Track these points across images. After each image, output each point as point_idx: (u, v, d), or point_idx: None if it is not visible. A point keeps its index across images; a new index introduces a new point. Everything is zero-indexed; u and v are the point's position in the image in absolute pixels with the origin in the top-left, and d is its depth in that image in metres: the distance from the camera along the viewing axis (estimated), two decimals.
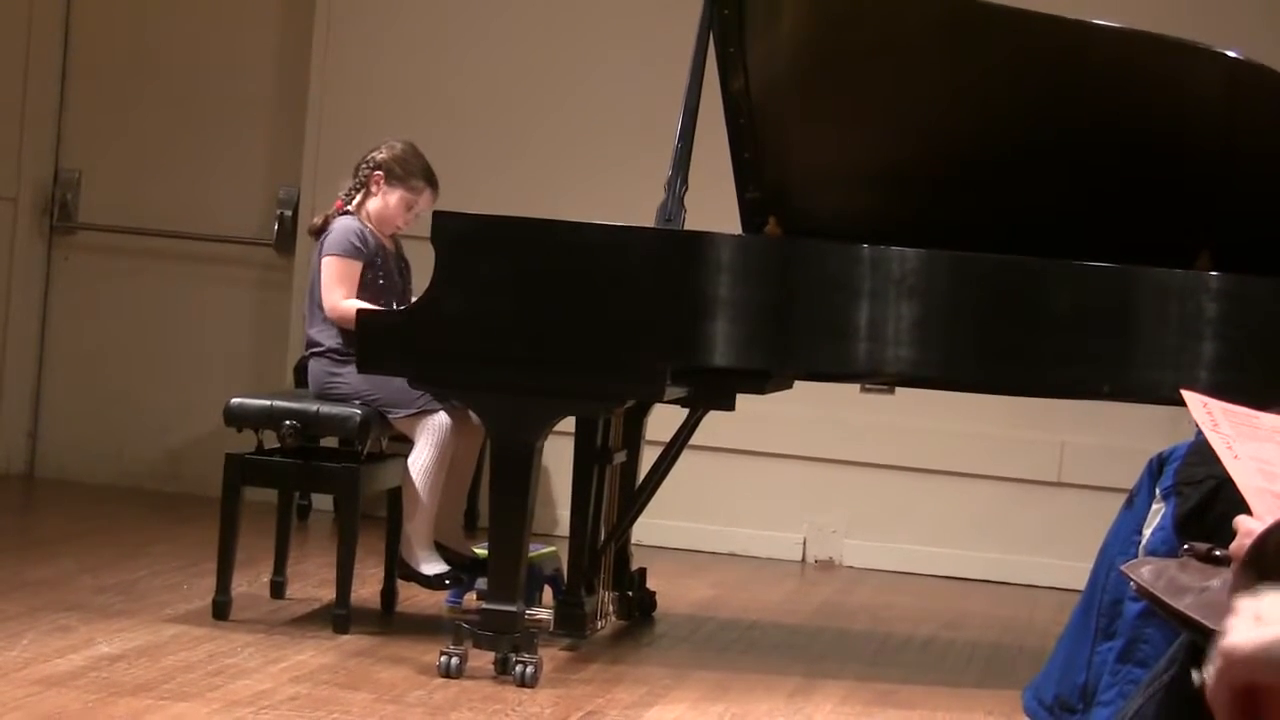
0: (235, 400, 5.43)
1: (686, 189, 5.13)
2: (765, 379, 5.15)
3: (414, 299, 5.17)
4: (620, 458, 5.63)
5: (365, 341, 4.90)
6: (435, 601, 5.58)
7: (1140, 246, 5.02)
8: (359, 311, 5.08)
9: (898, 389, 5.39)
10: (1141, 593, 2.10)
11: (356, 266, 5.46)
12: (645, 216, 5.19)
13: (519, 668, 4.74)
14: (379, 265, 5.51)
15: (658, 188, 5.17)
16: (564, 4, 7.57)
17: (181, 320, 7.89)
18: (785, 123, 5.40)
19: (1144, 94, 5.06)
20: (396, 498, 5.46)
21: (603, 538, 5.54)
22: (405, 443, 5.44)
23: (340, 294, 5.43)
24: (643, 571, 5.91)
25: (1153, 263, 4.86)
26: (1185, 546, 2.13)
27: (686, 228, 5.07)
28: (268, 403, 5.42)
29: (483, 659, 4.83)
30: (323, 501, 7.29)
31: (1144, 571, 2.09)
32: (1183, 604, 1.94)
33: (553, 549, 5.60)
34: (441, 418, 5.34)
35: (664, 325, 4.80)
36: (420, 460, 5.34)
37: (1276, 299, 4.81)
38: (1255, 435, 1.77)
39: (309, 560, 6.25)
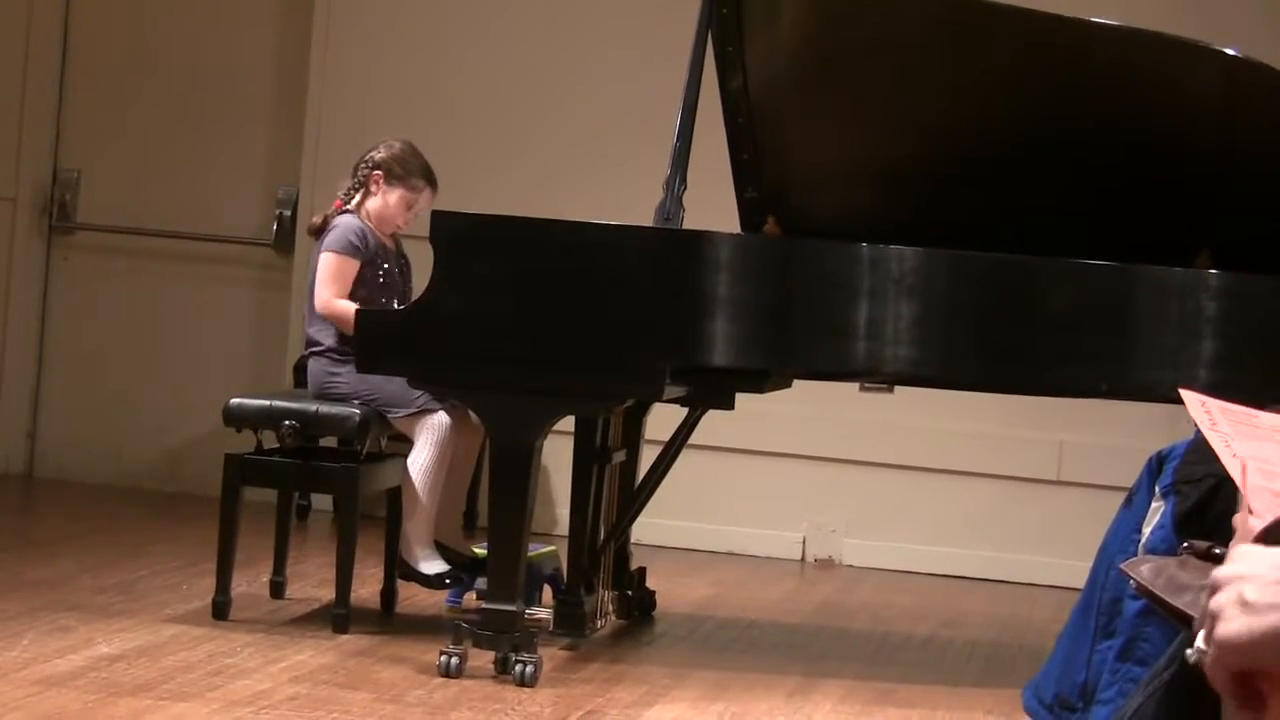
0: (234, 400, 5.43)
1: (685, 188, 5.13)
2: (764, 378, 5.15)
3: (414, 298, 5.17)
4: (620, 457, 5.63)
5: (364, 341, 4.90)
6: (435, 601, 5.58)
7: (1140, 245, 5.02)
8: (358, 311, 5.08)
9: (897, 388, 5.38)
10: (1141, 591, 2.10)
11: (353, 265, 5.46)
12: (644, 216, 5.19)
13: (519, 667, 4.74)
14: (379, 264, 5.51)
15: (656, 187, 5.16)
16: (563, 4, 7.57)
17: (180, 320, 7.89)
18: (784, 122, 5.40)
19: (1144, 92, 5.06)
20: (396, 497, 5.46)
21: (602, 537, 5.54)
22: (404, 442, 5.44)
23: (332, 291, 5.42)
24: (642, 571, 5.91)
25: (1152, 261, 4.86)
26: (1185, 545, 2.13)
27: (685, 227, 5.07)
28: (267, 403, 5.42)
29: (482, 658, 4.83)
30: (322, 501, 7.29)
31: (1143, 570, 2.09)
32: (1182, 602, 1.94)
33: (552, 548, 5.60)
34: (441, 417, 5.34)
35: (663, 324, 4.80)
36: (420, 460, 5.34)
37: (1276, 297, 4.81)
38: (1254, 434, 1.76)
39: (308, 560, 6.25)
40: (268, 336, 7.76)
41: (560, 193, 7.17)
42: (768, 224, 5.41)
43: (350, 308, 5.32)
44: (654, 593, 5.94)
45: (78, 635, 4.91)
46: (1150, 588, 2.03)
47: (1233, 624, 1.27)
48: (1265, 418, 1.78)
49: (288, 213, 7.77)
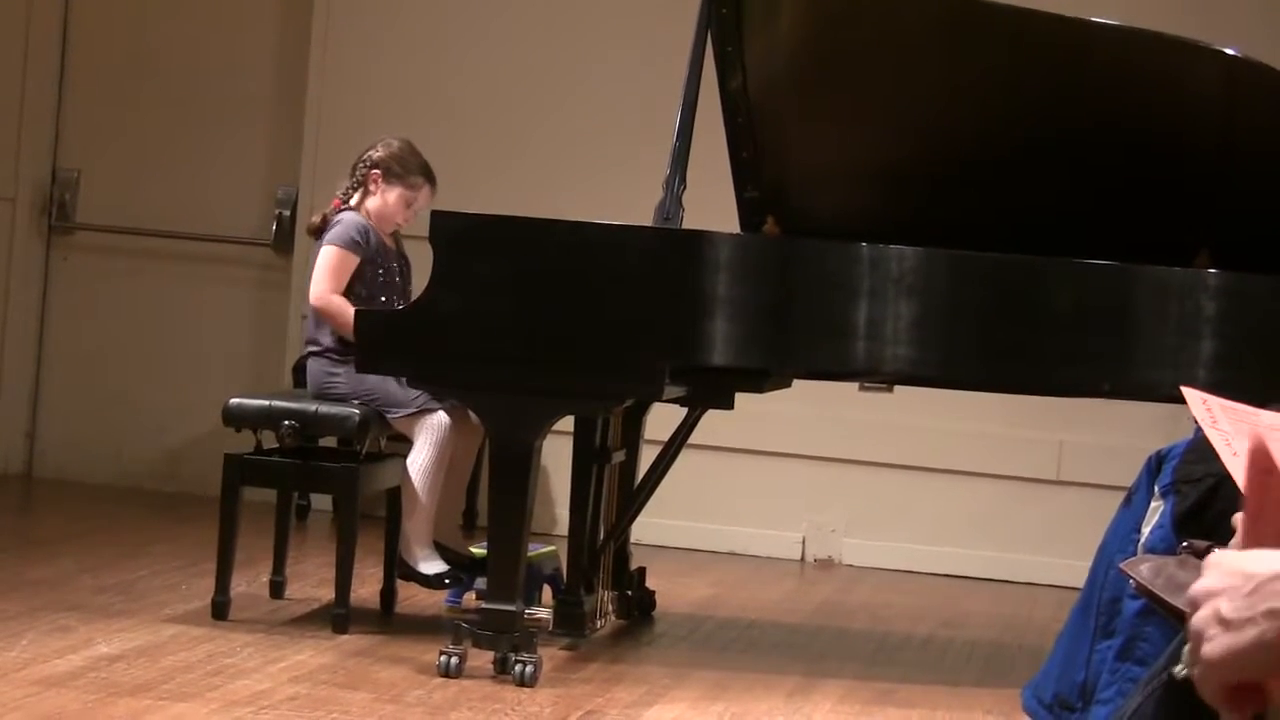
0: (234, 400, 5.43)
1: (685, 188, 5.13)
2: (764, 378, 5.15)
3: (414, 298, 5.17)
4: (619, 457, 5.63)
5: (364, 341, 4.90)
6: (434, 601, 5.58)
7: (1139, 245, 5.02)
8: (358, 312, 5.08)
9: (896, 388, 5.38)
10: (1140, 590, 2.10)
11: (353, 260, 5.45)
12: (643, 216, 5.19)
13: (518, 667, 4.74)
14: (380, 263, 5.51)
15: (656, 187, 5.16)
16: (563, 4, 7.57)
17: (180, 320, 7.89)
18: (784, 121, 5.40)
19: (1143, 92, 5.06)
20: (395, 497, 5.46)
21: (602, 537, 5.54)
22: (404, 442, 5.44)
23: (329, 285, 5.42)
24: (642, 571, 5.91)
25: (1152, 261, 4.86)
26: (1184, 544, 2.13)
27: (685, 227, 5.07)
28: (266, 403, 5.42)
29: (482, 658, 4.83)
30: (322, 501, 7.29)
31: (1143, 569, 2.09)
32: (1181, 601, 1.93)
33: (552, 548, 5.60)
34: (440, 417, 5.34)
35: (663, 324, 4.80)
36: (419, 460, 5.34)
37: (1275, 297, 4.81)
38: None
39: (308, 560, 6.25)
40: (267, 336, 7.76)
41: (560, 192, 7.17)
42: (767, 224, 5.41)
43: (346, 305, 5.32)
44: (654, 593, 5.94)
45: (77, 635, 4.91)
46: (1150, 587, 2.03)
47: (1214, 643, 1.26)
48: (1266, 416, 1.78)
49: (287, 213, 7.77)
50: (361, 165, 5.59)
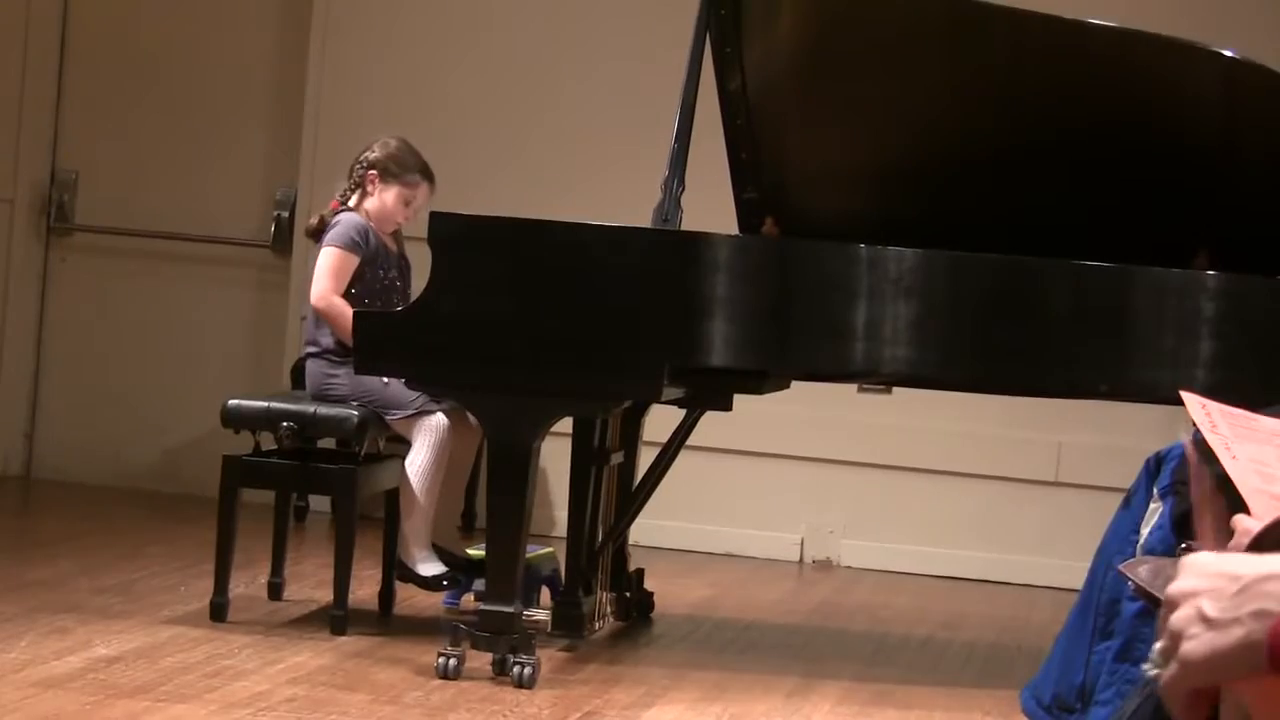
0: (232, 401, 5.43)
1: (683, 189, 5.13)
2: (762, 379, 5.15)
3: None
4: (618, 458, 5.63)
5: (362, 342, 4.89)
6: (433, 603, 5.58)
7: (1138, 246, 5.02)
8: (356, 313, 5.07)
9: (895, 389, 5.38)
10: (1139, 592, 2.10)
11: (353, 261, 5.45)
12: (642, 217, 5.19)
13: (517, 669, 4.73)
14: (379, 264, 5.50)
15: (655, 188, 5.16)
16: (562, 5, 7.57)
17: (179, 321, 7.89)
18: (782, 123, 5.40)
19: (1142, 93, 5.07)
20: (394, 499, 5.45)
21: (600, 538, 5.54)
22: (403, 444, 5.43)
23: (330, 286, 5.41)
24: (640, 572, 5.91)
25: (1151, 262, 4.86)
26: (1183, 545, 2.13)
27: (684, 228, 5.07)
28: (265, 404, 5.42)
29: (480, 660, 4.82)
30: (320, 503, 7.28)
31: (1142, 571, 2.09)
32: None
33: (550, 550, 5.60)
34: (439, 418, 5.34)
35: (661, 325, 4.80)
36: (418, 461, 5.34)
37: (1274, 298, 4.82)
38: (1254, 437, 1.77)
39: (306, 561, 6.25)
40: (266, 338, 7.76)
41: (559, 194, 7.17)
42: (766, 225, 5.41)
43: (346, 307, 5.32)
44: (652, 594, 5.94)
45: (76, 637, 4.91)
46: (1148, 589, 2.02)
47: (1197, 642, 1.25)
48: (1265, 421, 1.78)
49: (286, 214, 7.77)
50: (358, 166, 5.58)
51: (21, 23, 7.89)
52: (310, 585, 5.84)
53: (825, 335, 4.83)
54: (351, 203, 5.56)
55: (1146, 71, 5.04)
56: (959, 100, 5.22)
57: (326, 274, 5.42)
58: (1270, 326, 4.80)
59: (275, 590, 5.61)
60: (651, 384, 4.82)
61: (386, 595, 5.59)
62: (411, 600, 5.66)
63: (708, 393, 5.16)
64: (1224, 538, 1.56)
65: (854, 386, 5.36)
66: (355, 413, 5.32)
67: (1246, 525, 1.77)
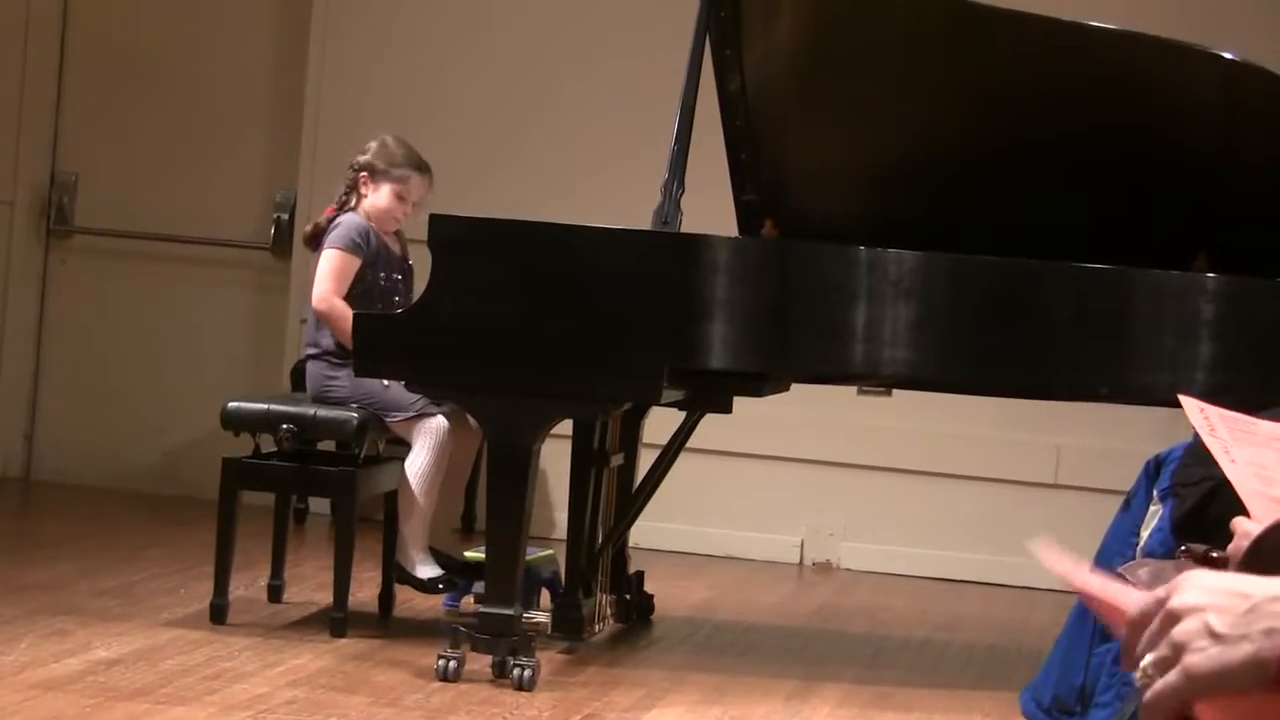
0: (232, 404, 5.42)
1: (683, 191, 5.13)
2: (762, 381, 5.15)
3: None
4: (617, 460, 5.63)
5: (362, 344, 4.89)
6: (433, 605, 5.58)
7: (1137, 248, 5.02)
8: (356, 315, 5.07)
9: (895, 391, 5.38)
10: None
11: (355, 263, 5.44)
12: (642, 218, 5.19)
13: (516, 671, 4.73)
14: (381, 266, 5.50)
15: (655, 190, 5.16)
16: (561, 6, 7.57)
17: (178, 323, 7.89)
18: (782, 124, 5.40)
19: (1142, 95, 5.07)
20: (394, 501, 5.45)
21: (600, 541, 5.54)
22: (402, 446, 5.43)
23: (332, 288, 5.40)
24: (640, 574, 5.91)
25: (1150, 264, 4.86)
26: (1182, 548, 2.13)
27: (683, 230, 5.07)
28: (265, 406, 5.41)
29: (480, 662, 4.82)
30: (320, 505, 7.28)
31: (1141, 573, 2.09)
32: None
33: (550, 552, 5.60)
34: (439, 421, 5.34)
35: (661, 327, 4.80)
36: (418, 463, 5.34)
37: (1273, 300, 4.82)
38: (1252, 441, 1.77)
39: (306, 564, 6.24)
40: (265, 340, 7.76)
41: (558, 195, 7.17)
42: (765, 227, 5.41)
43: (348, 310, 5.31)
44: (652, 596, 5.94)
45: (75, 639, 4.91)
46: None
47: (1204, 655, 1.26)
48: (1263, 425, 1.79)
49: (285, 216, 7.77)
50: (350, 171, 5.58)
51: (21, 23, 7.89)
52: (310, 587, 5.84)
53: (825, 337, 4.83)
54: (351, 207, 5.56)
55: (1146, 73, 5.04)
56: (958, 102, 5.22)
57: (328, 276, 5.42)
58: (1270, 329, 4.80)
59: (275, 592, 5.61)
60: (651, 386, 4.82)
61: (386, 597, 5.59)
62: (411, 602, 5.66)
63: (707, 395, 5.16)
64: None
65: (854, 389, 5.36)
66: (355, 415, 5.32)
67: (1246, 528, 1.77)
